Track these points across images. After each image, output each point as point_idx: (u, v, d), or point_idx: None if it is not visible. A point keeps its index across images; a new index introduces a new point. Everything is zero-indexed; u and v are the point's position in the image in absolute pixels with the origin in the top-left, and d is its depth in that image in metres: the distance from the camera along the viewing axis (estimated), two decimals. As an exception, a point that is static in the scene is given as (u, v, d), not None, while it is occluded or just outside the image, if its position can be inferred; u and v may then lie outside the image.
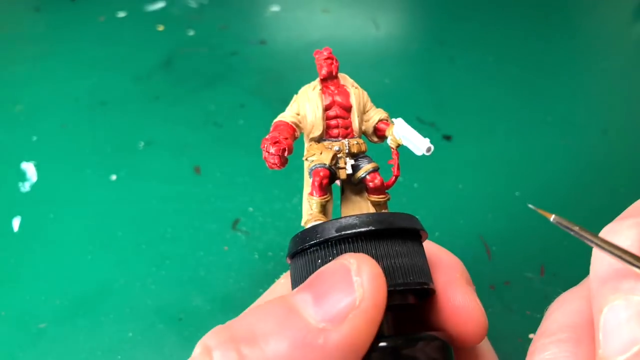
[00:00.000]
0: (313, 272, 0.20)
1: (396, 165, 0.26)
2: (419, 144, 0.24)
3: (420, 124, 0.57)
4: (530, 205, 0.20)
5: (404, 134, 0.25)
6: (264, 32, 0.72)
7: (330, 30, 0.72)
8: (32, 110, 0.60)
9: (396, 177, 0.26)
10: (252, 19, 0.75)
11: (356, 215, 0.22)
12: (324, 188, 0.25)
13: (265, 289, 0.29)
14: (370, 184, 0.25)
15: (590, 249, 0.19)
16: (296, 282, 0.22)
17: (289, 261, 0.24)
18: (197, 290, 0.42)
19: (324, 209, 0.25)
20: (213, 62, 0.67)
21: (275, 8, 0.76)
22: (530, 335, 0.39)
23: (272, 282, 0.30)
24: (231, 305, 0.41)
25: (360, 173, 0.26)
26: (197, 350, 0.19)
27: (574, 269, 0.42)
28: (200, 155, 0.54)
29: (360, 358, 0.19)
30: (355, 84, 0.27)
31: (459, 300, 0.24)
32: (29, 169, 0.53)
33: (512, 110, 0.60)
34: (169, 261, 0.44)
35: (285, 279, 0.28)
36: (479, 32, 0.72)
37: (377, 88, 0.62)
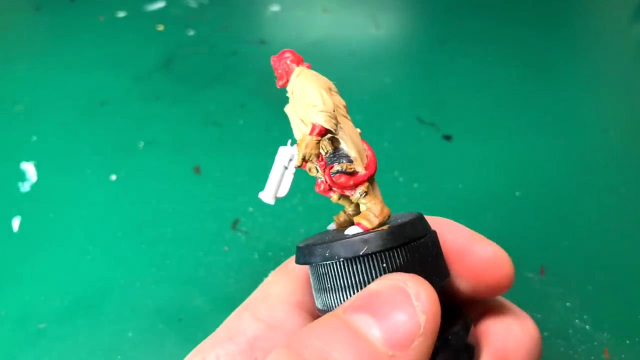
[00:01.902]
0: (353, 284, 0.21)
1: (325, 177, 0.24)
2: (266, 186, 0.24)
3: (420, 124, 0.57)
4: None
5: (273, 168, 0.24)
6: (263, 32, 0.72)
7: (330, 30, 0.72)
8: (32, 110, 0.60)
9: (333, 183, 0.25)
10: (252, 19, 0.75)
11: (392, 229, 0.22)
12: (331, 192, 0.25)
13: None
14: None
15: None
16: (332, 291, 0.22)
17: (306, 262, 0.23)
18: (197, 290, 0.42)
19: (355, 207, 0.25)
20: (213, 62, 0.67)
21: (275, 8, 0.76)
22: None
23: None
24: (231, 305, 0.40)
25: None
26: None
27: (574, 269, 0.42)
28: (200, 155, 0.54)
29: None
30: (297, 76, 0.25)
31: (486, 251, 0.25)
32: (29, 169, 0.53)
33: (512, 110, 0.60)
34: (169, 261, 0.44)
35: (275, 277, 0.28)
36: (479, 31, 0.72)
37: (377, 88, 0.62)
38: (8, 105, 0.61)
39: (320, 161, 0.24)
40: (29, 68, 0.67)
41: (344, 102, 0.24)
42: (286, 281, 0.27)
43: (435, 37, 0.71)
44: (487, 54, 0.68)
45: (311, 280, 0.24)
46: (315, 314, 0.26)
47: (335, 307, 0.22)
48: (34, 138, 0.56)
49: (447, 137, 0.56)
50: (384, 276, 0.21)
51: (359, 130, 0.25)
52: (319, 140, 0.23)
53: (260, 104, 0.59)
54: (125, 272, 0.43)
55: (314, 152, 0.23)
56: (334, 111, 0.23)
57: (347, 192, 0.24)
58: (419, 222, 0.23)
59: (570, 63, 0.67)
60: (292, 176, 0.24)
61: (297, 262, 0.24)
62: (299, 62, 0.25)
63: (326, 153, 0.24)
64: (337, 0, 0.78)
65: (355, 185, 0.24)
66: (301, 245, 0.24)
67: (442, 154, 0.54)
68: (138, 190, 0.50)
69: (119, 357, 0.38)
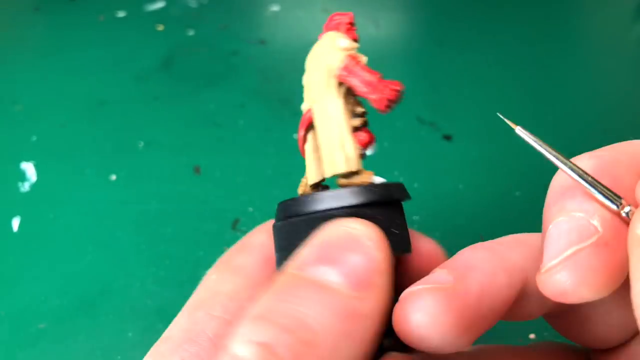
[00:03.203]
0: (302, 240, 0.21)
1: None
2: None
3: (420, 124, 0.57)
4: (499, 114, 0.22)
5: None
6: (263, 32, 0.72)
7: (330, 30, 0.72)
8: (31, 110, 0.60)
9: None
10: (252, 19, 0.75)
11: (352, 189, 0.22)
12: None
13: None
14: None
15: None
16: (286, 249, 0.22)
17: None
18: (197, 291, 0.42)
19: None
20: (213, 62, 0.67)
21: (275, 8, 0.76)
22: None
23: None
24: (231, 305, 0.41)
25: None
26: (247, 349, 0.17)
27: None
28: (200, 155, 0.54)
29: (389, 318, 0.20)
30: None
31: (424, 247, 0.25)
32: (29, 168, 0.53)
33: (512, 110, 0.60)
34: (169, 261, 0.44)
35: (219, 275, 0.27)
36: (479, 32, 0.72)
37: (377, 88, 0.62)
38: (7, 105, 0.61)
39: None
40: (28, 68, 0.67)
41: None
42: (234, 279, 0.26)
43: (435, 37, 0.71)
44: (487, 54, 0.68)
45: (282, 240, 0.24)
46: None
47: None
48: (34, 138, 0.56)
49: (447, 137, 0.56)
50: (329, 224, 0.21)
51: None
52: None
53: (260, 104, 0.59)
54: (125, 272, 0.43)
55: None
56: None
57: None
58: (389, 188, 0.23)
59: (570, 63, 0.67)
60: None
61: (289, 215, 0.23)
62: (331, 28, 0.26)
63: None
64: (337, 0, 0.78)
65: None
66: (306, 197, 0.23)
67: (442, 154, 0.54)
68: (138, 190, 0.50)
69: (119, 357, 0.38)
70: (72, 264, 0.44)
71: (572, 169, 0.19)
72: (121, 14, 0.75)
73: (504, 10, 0.76)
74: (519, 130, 0.21)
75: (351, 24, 0.26)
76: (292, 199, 0.24)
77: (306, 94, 0.26)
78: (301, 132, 0.25)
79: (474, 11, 0.76)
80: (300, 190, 0.26)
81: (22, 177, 0.52)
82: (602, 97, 0.63)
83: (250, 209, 0.48)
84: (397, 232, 0.22)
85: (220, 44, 0.70)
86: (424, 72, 0.66)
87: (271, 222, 0.26)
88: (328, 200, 0.22)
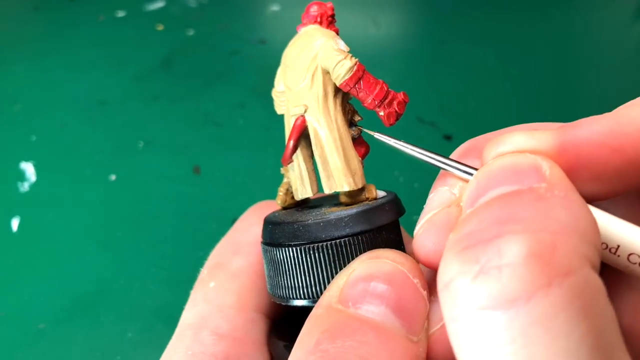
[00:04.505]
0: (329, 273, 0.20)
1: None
2: None
3: (420, 124, 0.57)
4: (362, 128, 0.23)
5: None
6: (264, 32, 0.72)
7: (330, 30, 0.72)
8: (31, 110, 0.60)
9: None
10: (252, 19, 0.75)
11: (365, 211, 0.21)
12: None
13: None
14: None
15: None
16: (312, 275, 0.21)
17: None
18: (197, 291, 0.42)
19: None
20: (213, 62, 0.67)
21: (275, 7, 0.76)
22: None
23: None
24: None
25: None
26: None
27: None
28: (200, 155, 0.54)
29: None
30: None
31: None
32: (28, 168, 0.53)
33: (512, 110, 0.60)
34: (169, 261, 0.44)
35: (218, 282, 0.26)
36: (480, 31, 0.72)
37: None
38: (7, 105, 0.61)
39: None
40: (28, 67, 0.67)
41: (286, 76, 0.24)
42: (234, 287, 0.25)
43: (435, 37, 0.71)
44: (487, 54, 0.68)
45: (270, 265, 0.22)
46: (269, 313, 0.25)
47: (315, 292, 0.21)
48: (33, 138, 0.56)
49: (447, 137, 0.56)
50: (367, 257, 0.20)
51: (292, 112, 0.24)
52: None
53: (260, 104, 0.59)
54: (125, 272, 0.43)
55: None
56: (278, 91, 0.24)
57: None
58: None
59: (570, 63, 0.67)
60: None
61: (274, 241, 0.22)
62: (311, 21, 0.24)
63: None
64: (337, 0, 0.78)
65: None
66: (285, 220, 0.22)
67: (442, 154, 0.54)
68: (138, 190, 0.50)
69: (119, 357, 0.38)
70: (72, 264, 0.44)
71: (431, 157, 0.22)
72: (121, 13, 0.75)
73: (504, 10, 0.76)
74: (378, 136, 0.23)
75: (332, 16, 0.24)
76: (297, 222, 0.21)
77: (291, 96, 0.23)
78: (292, 142, 0.23)
79: (474, 11, 0.76)
80: (279, 201, 0.25)
81: (22, 177, 0.52)
82: (602, 96, 0.63)
83: (250, 209, 0.48)
84: (404, 248, 0.22)
85: (220, 43, 0.69)
86: (424, 72, 0.66)
87: (261, 205, 0.25)
88: (350, 223, 0.21)
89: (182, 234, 0.46)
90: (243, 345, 0.23)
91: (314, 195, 0.23)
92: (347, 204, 0.23)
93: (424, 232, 0.19)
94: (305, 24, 0.23)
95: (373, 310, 0.18)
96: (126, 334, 0.39)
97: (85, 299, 0.42)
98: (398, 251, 0.20)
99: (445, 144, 0.55)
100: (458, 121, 0.58)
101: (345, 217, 0.21)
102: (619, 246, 0.17)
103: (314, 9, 0.23)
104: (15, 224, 0.48)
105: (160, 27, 0.72)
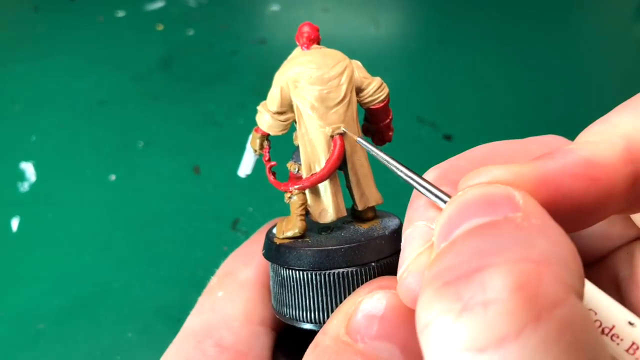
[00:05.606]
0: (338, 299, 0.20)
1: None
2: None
3: (420, 124, 0.57)
4: (345, 129, 0.22)
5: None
6: (264, 32, 0.72)
7: (330, 30, 0.72)
8: (30, 110, 0.60)
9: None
10: (252, 19, 0.75)
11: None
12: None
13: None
14: None
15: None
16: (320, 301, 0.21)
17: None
18: (197, 291, 0.41)
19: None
20: (213, 62, 0.67)
21: (275, 7, 0.76)
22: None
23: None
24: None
25: None
26: None
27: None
28: (200, 155, 0.54)
29: None
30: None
31: None
32: (28, 169, 0.53)
33: (512, 110, 0.60)
34: (169, 261, 0.44)
35: (227, 292, 0.26)
36: (479, 31, 0.72)
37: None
38: (7, 105, 0.61)
39: (265, 156, 0.25)
40: (27, 67, 0.67)
41: (317, 95, 0.22)
42: (242, 297, 0.25)
43: (435, 37, 0.71)
44: (487, 54, 0.68)
45: (276, 283, 0.22)
46: (274, 326, 0.25)
47: (319, 318, 0.21)
48: (33, 138, 0.56)
49: (447, 137, 0.56)
50: (377, 284, 0.20)
51: (330, 130, 0.23)
52: (261, 137, 0.23)
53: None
54: (125, 272, 0.43)
55: (254, 146, 0.26)
56: (277, 112, 0.24)
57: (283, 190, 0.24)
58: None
59: (570, 63, 0.67)
60: (252, 159, 0.28)
61: (285, 263, 0.22)
62: (306, 43, 0.24)
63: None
64: (337, 0, 0.78)
65: (285, 189, 0.24)
66: (293, 245, 0.22)
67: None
68: (137, 190, 0.50)
69: (119, 357, 0.38)
70: (72, 264, 0.44)
71: (405, 174, 0.20)
72: (121, 13, 0.75)
73: (504, 10, 0.76)
74: (360, 141, 0.22)
75: (318, 37, 0.25)
76: (323, 249, 0.21)
77: (324, 115, 0.23)
78: (336, 162, 0.23)
79: (474, 11, 0.76)
80: (301, 230, 0.23)
81: (22, 177, 0.52)
82: (602, 96, 0.63)
83: (250, 209, 0.48)
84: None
85: (220, 43, 0.69)
86: (424, 72, 0.66)
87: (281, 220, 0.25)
88: (374, 250, 0.21)
89: (182, 234, 0.46)
90: (245, 359, 0.23)
91: (342, 215, 0.24)
92: (369, 219, 0.24)
93: (409, 276, 0.18)
94: (304, 44, 0.24)
95: (382, 349, 0.18)
96: (126, 334, 0.39)
97: (85, 299, 0.41)
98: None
99: (445, 144, 0.55)
100: (458, 121, 0.58)
101: (370, 242, 0.22)
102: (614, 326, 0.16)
103: (306, 29, 0.24)
104: (15, 224, 0.48)
105: (160, 27, 0.72)
